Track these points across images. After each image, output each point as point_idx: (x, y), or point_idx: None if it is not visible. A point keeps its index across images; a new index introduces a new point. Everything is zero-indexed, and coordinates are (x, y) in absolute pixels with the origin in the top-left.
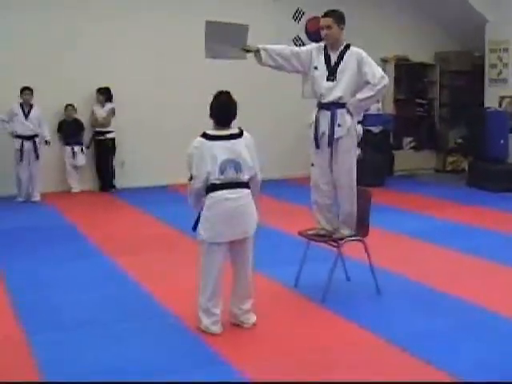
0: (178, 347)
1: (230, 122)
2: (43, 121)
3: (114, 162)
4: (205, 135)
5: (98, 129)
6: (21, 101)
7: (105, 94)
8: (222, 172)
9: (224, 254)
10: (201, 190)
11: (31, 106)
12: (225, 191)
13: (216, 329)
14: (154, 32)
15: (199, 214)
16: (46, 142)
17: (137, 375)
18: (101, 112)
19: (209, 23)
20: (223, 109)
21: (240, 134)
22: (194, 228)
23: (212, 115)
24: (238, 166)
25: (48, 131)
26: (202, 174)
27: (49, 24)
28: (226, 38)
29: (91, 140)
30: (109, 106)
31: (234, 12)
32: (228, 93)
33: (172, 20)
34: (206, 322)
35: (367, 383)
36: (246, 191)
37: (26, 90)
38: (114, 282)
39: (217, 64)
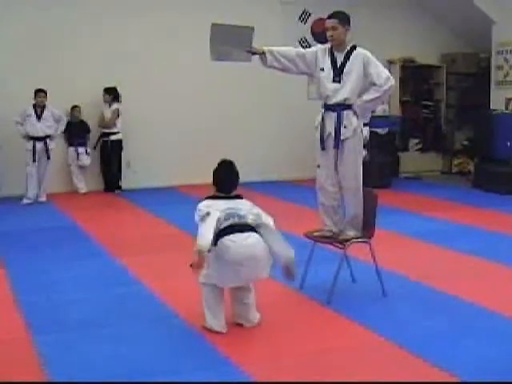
0: (182, 347)
1: (231, 192)
2: (61, 117)
3: (120, 163)
4: (208, 198)
5: (104, 130)
6: (34, 102)
7: (111, 94)
8: (226, 220)
9: None
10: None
11: (43, 108)
12: (232, 236)
13: (220, 327)
14: (159, 33)
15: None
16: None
17: (140, 375)
18: (107, 112)
19: (214, 26)
20: (224, 179)
21: (240, 197)
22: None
23: (214, 183)
24: (241, 217)
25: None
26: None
27: (51, 25)
28: (231, 41)
29: (98, 141)
30: (114, 106)
31: (240, 13)
32: (230, 162)
33: (177, 21)
34: (210, 320)
35: (370, 383)
36: (256, 235)
37: (40, 92)
38: (118, 282)
39: (223, 66)
